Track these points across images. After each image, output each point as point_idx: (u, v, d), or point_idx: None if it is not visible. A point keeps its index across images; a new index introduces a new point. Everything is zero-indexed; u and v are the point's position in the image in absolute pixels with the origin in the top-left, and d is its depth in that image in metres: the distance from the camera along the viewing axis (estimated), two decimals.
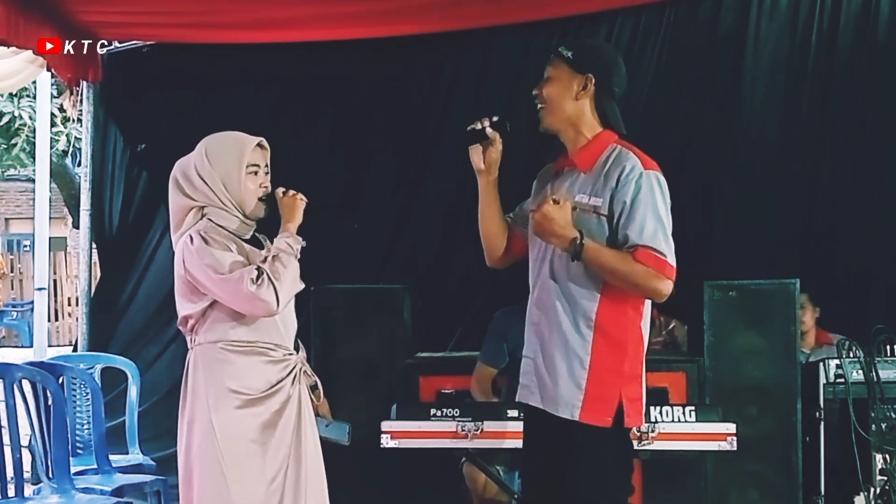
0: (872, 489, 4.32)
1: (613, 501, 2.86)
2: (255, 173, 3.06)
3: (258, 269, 2.89)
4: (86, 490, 3.91)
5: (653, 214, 2.77)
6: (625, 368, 2.82)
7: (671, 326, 5.15)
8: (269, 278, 2.88)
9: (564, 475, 2.80)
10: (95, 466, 4.29)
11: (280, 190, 3.09)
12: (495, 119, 3.00)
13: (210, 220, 3.02)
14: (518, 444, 3.19)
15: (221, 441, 2.94)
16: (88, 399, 4.57)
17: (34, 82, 5.94)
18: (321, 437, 3.15)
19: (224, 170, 3.02)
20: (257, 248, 3.07)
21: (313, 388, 3.17)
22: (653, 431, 3.62)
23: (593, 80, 2.89)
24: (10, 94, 10.61)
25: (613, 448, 2.84)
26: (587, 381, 2.78)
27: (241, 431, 2.93)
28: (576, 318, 2.81)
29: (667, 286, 2.77)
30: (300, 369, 3.07)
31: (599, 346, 2.79)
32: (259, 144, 3.08)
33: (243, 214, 3.05)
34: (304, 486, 3.00)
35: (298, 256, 3.02)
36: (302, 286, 3.03)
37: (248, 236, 3.09)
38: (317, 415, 3.19)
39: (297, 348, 3.13)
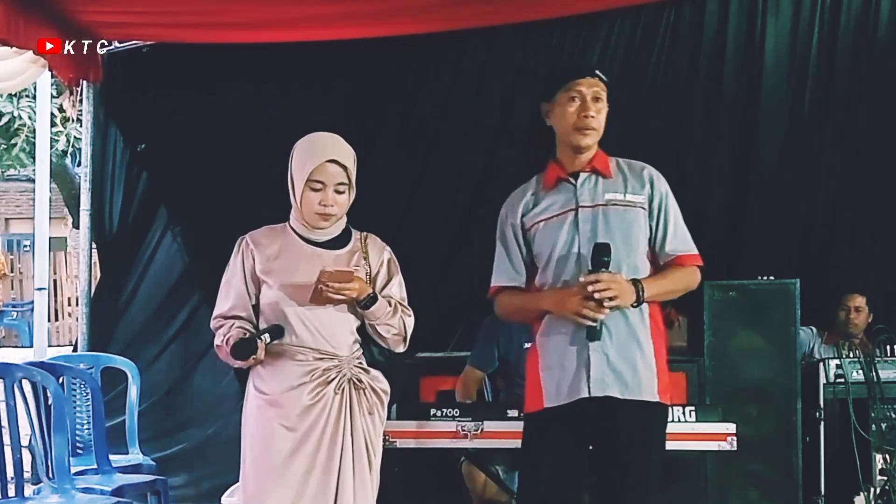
0: (872, 489, 4.33)
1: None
2: (318, 190, 2.96)
3: (230, 326, 2.97)
4: (86, 490, 3.90)
5: (679, 215, 3.04)
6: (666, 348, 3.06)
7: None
8: (226, 341, 2.96)
9: (649, 451, 2.97)
10: (95, 466, 4.28)
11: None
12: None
13: (287, 222, 3.05)
14: (516, 444, 3.19)
15: (245, 435, 3.02)
16: (88, 399, 4.56)
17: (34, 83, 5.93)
18: None
19: (294, 173, 3.00)
20: (336, 248, 3.03)
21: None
22: None
23: None
24: (10, 94, 10.60)
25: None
26: (655, 364, 2.97)
27: (258, 430, 2.97)
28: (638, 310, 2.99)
29: (699, 275, 3.08)
30: (343, 376, 2.97)
31: (654, 331, 3.00)
32: (334, 160, 2.96)
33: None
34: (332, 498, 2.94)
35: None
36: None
37: (323, 239, 3.03)
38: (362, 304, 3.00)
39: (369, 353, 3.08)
